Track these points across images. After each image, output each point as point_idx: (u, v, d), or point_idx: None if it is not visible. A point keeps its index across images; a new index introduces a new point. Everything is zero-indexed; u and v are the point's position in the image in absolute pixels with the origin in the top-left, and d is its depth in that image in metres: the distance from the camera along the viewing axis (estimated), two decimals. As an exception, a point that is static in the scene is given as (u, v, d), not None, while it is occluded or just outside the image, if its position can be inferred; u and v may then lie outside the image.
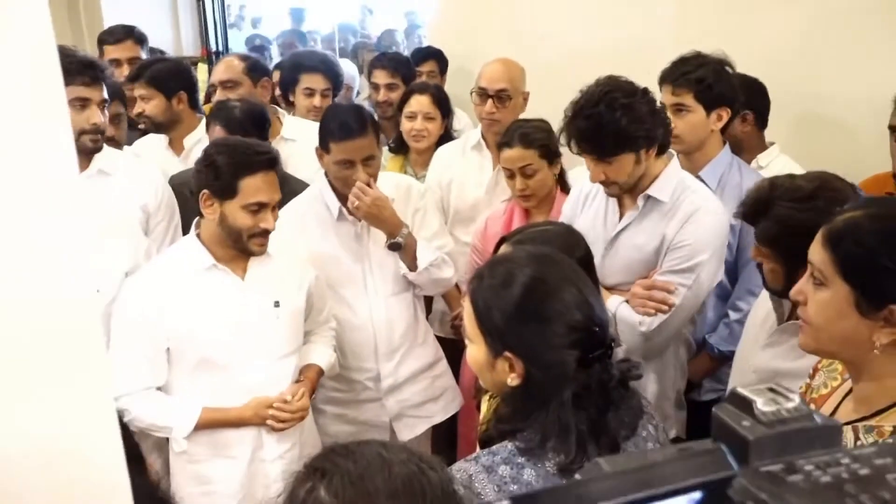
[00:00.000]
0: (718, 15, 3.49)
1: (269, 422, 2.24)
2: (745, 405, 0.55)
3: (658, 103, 2.18)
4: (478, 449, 1.56)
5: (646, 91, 2.15)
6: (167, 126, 3.17)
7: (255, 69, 3.45)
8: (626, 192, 2.26)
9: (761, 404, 0.54)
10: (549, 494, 0.50)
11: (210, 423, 2.22)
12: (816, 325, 1.36)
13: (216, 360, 2.20)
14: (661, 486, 0.49)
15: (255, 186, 2.15)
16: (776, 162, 3.06)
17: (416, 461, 1.04)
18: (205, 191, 2.17)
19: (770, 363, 1.94)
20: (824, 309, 1.33)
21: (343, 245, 2.62)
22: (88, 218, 0.77)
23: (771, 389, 0.56)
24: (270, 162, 2.20)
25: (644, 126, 2.08)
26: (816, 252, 1.34)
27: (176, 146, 3.21)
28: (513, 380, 1.40)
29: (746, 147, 3.10)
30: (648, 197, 2.22)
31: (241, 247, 2.21)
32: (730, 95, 2.58)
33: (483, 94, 3.12)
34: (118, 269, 2.34)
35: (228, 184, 2.14)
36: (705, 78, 2.47)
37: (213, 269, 2.22)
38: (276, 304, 2.28)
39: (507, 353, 1.40)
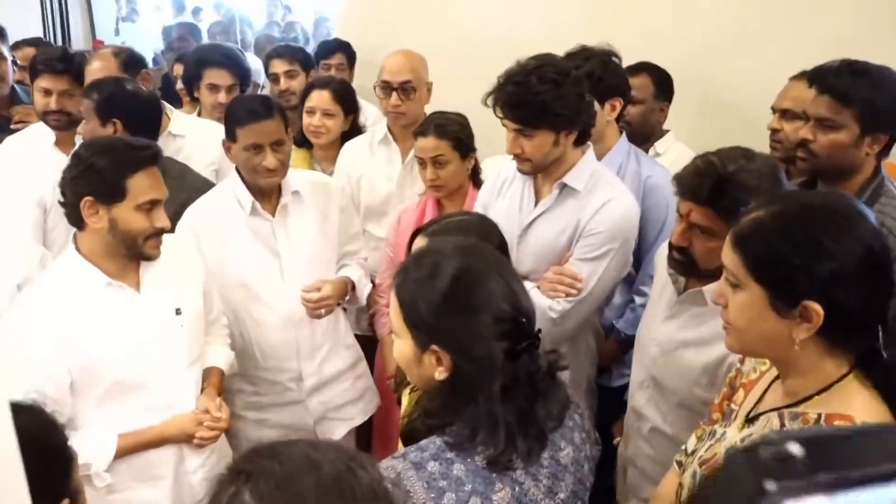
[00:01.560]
0: (619, 2, 3.57)
1: (196, 438, 2.15)
2: None
3: (587, 94, 2.22)
4: (399, 443, 1.54)
5: (579, 78, 2.18)
6: (78, 123, 2.96)
7: (131, 62, 3.30)
8: (539, 176, 2.30)
9: None
10: (842, 439, 0.44)
11: (130, 449, 2.08)
12: (738, 327, 1.36)
13: (126, 382, 2.07)
14: None
15: (144, 184, 2.01)
16: (672, 149, 3.19)
17: (345, 460, 0.99)
18: (87, 198, 1.98)
19: (673, 335, 2.00)
20: (743, 311, 1.33)
21: (258, 241, 2.55)
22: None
23: None
24: (154, 157, 2.06)
25: (568, 106, 2.12)
26: (727, 255, 1.34)
27: (64, 145, 3.01)
28: (440, 374, 1.38)
29: (658, 135, 3.21)
30: (564, 185, 2.26)
31: (135, 252, 2.06)
32: (620, 86, 2.64)
33: (387, 87, 3.10)
34: (9, 281, 2.16)
35: (114, 185, 1.98)
36: (593, 71, 2.49)
37: (108, 288, 2.05)
38: (178, 311, 2.17)
39: (435, 347, 1.38)
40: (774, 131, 2.60)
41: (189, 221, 2.52)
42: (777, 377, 1.43)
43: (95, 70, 3.11)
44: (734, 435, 1.41)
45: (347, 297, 2.74)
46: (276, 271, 2.56)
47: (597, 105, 2.51)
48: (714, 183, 1.77)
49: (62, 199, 2.05)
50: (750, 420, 1.40)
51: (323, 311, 2.55)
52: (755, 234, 1.30)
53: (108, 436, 2.05)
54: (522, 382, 1.37)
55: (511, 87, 2.12)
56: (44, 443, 1.38)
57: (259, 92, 4.34)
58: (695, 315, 1.93)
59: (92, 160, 1.99)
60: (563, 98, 2.10)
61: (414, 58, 3.17)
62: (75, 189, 2.00)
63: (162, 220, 2.06)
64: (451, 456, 1.35)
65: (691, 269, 1.92)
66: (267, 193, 2.54)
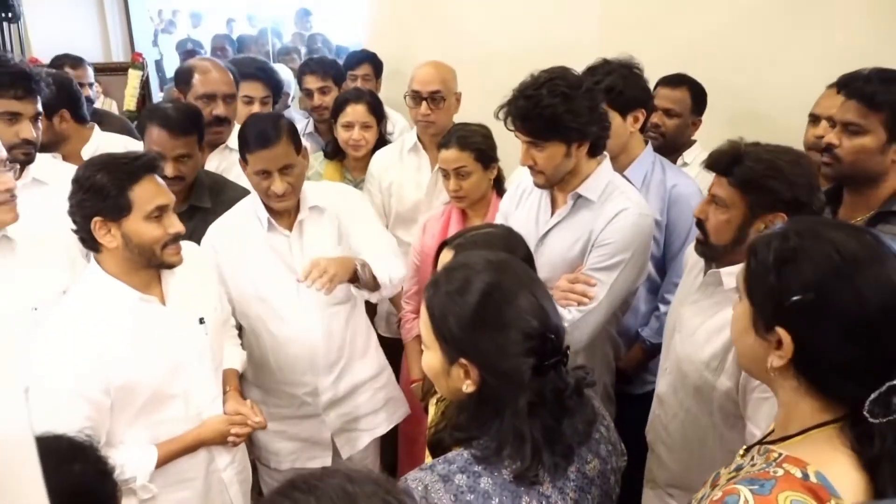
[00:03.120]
0: (642, 12, 3.58)
1: (230, 438, 2.19)
2: None
3: (602, 105, 2.24)
4: (427, 453, 1.56)
5: (591, 89, 2.20)
6: (48, 147, 2.94)
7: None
8: (555, 187, 2.31)
9: None
10: None
11: (169, 457, 2.10)
12: (734, 339, 1.34)
13: (161, 395, 2.08)
14: None
15: (147, 192, 1.99)
16: (700, 158, 3.19)
17: (383, 494, 0.96)
18: (96, 219, 1.96)
19: (692, 318, 2.03)
20: (736, 323, 1.31)
21: (275, 256, 2.55)
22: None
23: None
24: (150, 165, 2.03)
25: (579, 119, 2.13)
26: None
27: (74, 161, 2.90)
28: (468, 387, 1.39)
29: (686, 145, 3.23)
30: (579, 196, 2.27)
31: (156, 262, 2.04)
32: (642, 97, 2.64)
33: (416, 96, 3.16)
34: (56, 286, 2.19)
35: (119, 199, 1.96)
36: (615, 86, 2.51)
37: (139, 303, 2.05)
38: (202, 320, 2.19)
39: (463, 360, 1.38)
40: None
41: (209, 237, 2.56)
42: None
43: (220, 82, 3.21)
44: (736, 461, 1.37)
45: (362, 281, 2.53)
46: (291, 286, 2.53)
47: (619, 119, 2.54)
48: (732, 154, 1.88)
49: (74, 227, 2.03)
50: (747, 450, 1.36)
51: (327, 282, 2.32)
52: (757, 248, 1.26)
53: (148, 448, 2.08)
54: (549, 399, 1.38)
55: (522, 101, 2.14)
56: (98, 494, 1.45)
57: (289, 102, 4.40)
58: (716, 302, 1.96)
59: (92, 179, 1.96)
60: (573, 111, 2.12)
61: (443, 68, 3.23)
62: (83, 213, 1.98)
63: (175, 225, 2.04)
64: (478, 469, 1.36)
65: (707, 249, 1.97)
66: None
